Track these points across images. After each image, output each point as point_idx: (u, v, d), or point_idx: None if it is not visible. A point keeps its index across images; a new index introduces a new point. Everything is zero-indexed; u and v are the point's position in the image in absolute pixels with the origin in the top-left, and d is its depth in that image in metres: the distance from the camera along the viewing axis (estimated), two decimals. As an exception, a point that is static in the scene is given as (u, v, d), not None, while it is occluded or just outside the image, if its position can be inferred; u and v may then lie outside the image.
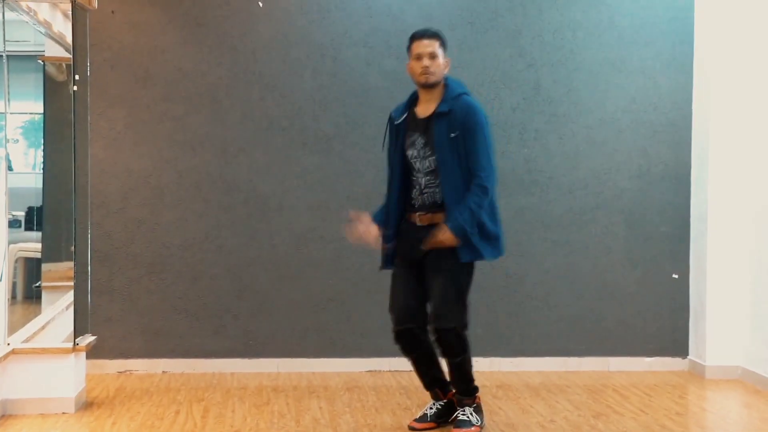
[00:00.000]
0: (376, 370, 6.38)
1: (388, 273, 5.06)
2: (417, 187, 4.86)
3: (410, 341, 4.93)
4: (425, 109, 4.86)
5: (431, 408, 5.03)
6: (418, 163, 4.85)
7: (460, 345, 4.86)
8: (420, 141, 4.84)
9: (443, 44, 4.85)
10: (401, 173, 4.91)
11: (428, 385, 5.07)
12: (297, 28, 6.38)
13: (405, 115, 4.91)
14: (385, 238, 4.94)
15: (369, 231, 4.92)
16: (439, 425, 4.98)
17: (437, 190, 4.81)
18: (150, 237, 6.29)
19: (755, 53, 6.18)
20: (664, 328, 6.58)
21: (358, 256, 6.35)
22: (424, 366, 5.02)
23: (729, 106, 6.30)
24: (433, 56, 4.77)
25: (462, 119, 4.76)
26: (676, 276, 6.57)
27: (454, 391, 5.01)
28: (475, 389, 5.00)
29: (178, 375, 6.24)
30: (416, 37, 4.85)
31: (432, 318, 4.85)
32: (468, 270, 4.90)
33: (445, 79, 4.86)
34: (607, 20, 6.53)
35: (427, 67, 4.76)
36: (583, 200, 6.55)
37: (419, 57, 4.79)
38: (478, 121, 4.79)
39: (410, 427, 4.98)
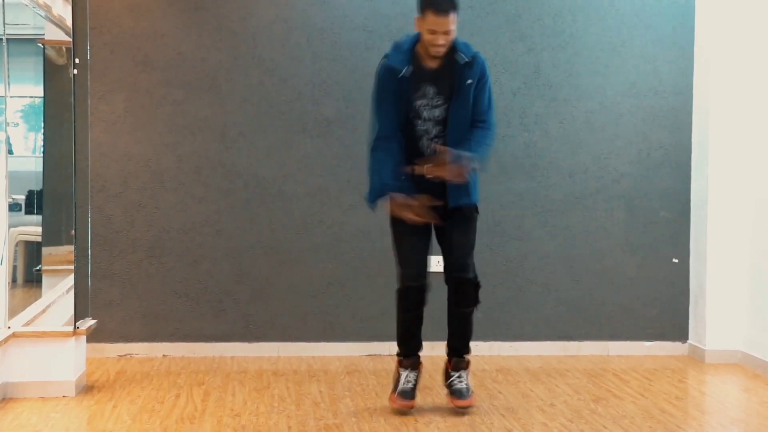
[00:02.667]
0: (376, 354, 6.39)
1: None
2: (425, 136, 4.89)
3: (418, 298, 5.02)
4: (432, 61, 4.83)
5: (410, 381, 5.04)
6: (426, 112, 4.85)
7: (477, 294, 5.04)
8: (431, 90, 4.83)
9: (457, 12, 4.77)
10: (402, 123, 4.89)
11: (414, 348, 5.11)
12: (297, 12, 6.37)
13: (408, 67, 4.84)
14: (396, 190, 4.85)
15: (416, 208, 4.83)
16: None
17: (444, 139, 4.84)
18: (150, 221, 6.29)
19: (756, 38, 6.17)
20: (663, 312, 6.59)
21: (357, 240, 6.36)
22: (417, 327, 5.10)
23: (729, 91, 6.29)
24: (448, 33, 4.73)
25: (479, 71, 4.85)
26: (676, 260, 6.57)
27: (450, 353, 5.13)
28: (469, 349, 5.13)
29: (178, 359, 6.25)
30: (432, 8, 4.69)
31: (456, 268, 4.99)
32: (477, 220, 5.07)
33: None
34: (608, 4, 6.52)
35: (442, 45, 4.74)
36: (583, 185, 6.55)
37: (434, 32, 4.71)
38: (489, 77, 4.95)
39: (399, 410, 4.97)
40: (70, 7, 5.34)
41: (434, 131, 4.88)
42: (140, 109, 6.28)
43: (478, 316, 6.38)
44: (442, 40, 4.71)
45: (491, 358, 6.37)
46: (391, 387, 5.15)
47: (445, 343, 5.22)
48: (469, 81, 4.82)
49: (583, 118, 6.55)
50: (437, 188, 4.86)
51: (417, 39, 4.86)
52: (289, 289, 6.38)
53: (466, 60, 4.82)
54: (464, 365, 5.11)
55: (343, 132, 6.38)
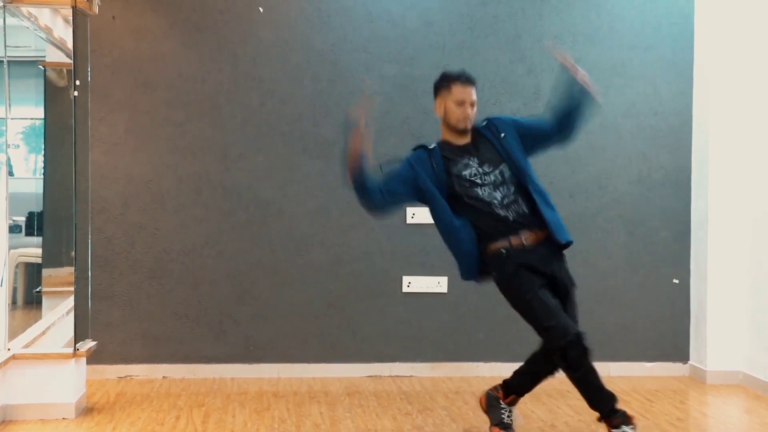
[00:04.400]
0: (376, 376, 6.38)
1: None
2: (494, 202, 4.63)
3: (582, 351, 4.65)
4: (459, 138, 4.73)
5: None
6: (479, 179, 4.64)
7: (587, 356, 4.69)
8: (473, 161, 4.67)
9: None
10: (446, 200, 4.68)
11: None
12: (297, 34, 6.39)
13: (437, 148, 4.73)
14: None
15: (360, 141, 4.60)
16: None
17: (519, 198, 4.64)
18: (150, 242, 6.29)
19: (755, 59, 6.19)
20: (664, 333, 6.58)
21: (358, 261, 6.36)
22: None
23: (729, 111, 6.30)
24: (473, 104, 4.72)
25: (502, 121, 4.81)
26: (677, 281, 6.57)
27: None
28: (613, 411, 4.65)
29: (178, 380, 6.23)
30: (459, 81, 4.71)
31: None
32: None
33: None
34: (608, 25, 6.54)
35: (469, 115, 4.69)
36: (584, 205, 6.55)
37: (462, 103, 4.68)
38: (511, 116, 4.97)
39: None
40: (71, 30, 5.35)
41: (499, 195, 4.63)
42: (141, 130, 6.29)
43: (479, 336, 6.39)
44: (469, 111, 4.68)
45: (492, 378, 6.33)
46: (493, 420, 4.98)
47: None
48: (503, 134, 4.72)
49: (584, 138, 6.53)
50: (542, 253, 4.64)
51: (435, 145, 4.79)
52: (290, 310, 6.37)
53: (484, 123, 4.79)
54: (616, 422, 4.66)
55: (344, 153, 6.37)
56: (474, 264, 4.69)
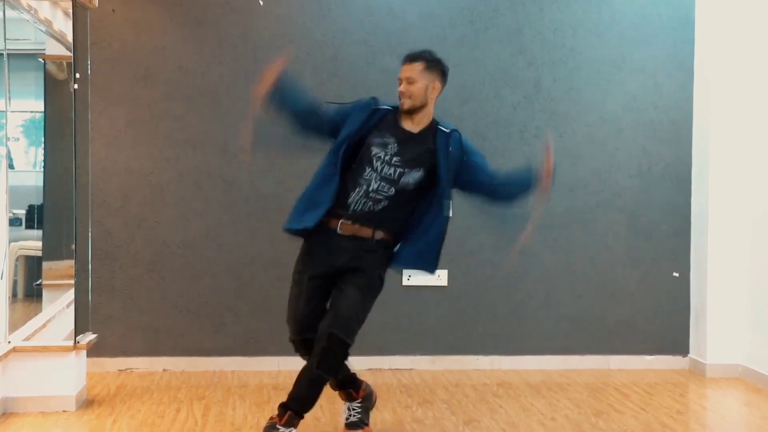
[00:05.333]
0: (376, 368, 6.38)
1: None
2: (362, 186, 4.52)
3: (309, 348, 4.59)
4: (406, 121, 4.60)
5: (354, 413, 4.85)
6: (378, 164, 4.51)
7: (339, 364, 4.61)
8: (393, 147, 4.52)
9: (430, 68, 4.57)
10: (347, 155, 4.59)
11: (339, 385, 4.85)
12: (297, 27, 6.38)
13: (388, 113, 4.63)
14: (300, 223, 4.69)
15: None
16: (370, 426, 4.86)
17: (383, 201, 4.50)
18: (150, 235, 6.29)
19: (756, 52, 6.18)
20: (664, 326, 6.58)
21: (358, 254, 6.35)
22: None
23: (729, 104, 6.30)
24: (410, 81, 4.54)
25: (461, 146, 4.60)
26: (677, 274, 6.57)
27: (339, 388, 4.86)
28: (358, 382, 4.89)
29: (178, 373, 6.24)
30: (404, 60, 4.63)
31: (333, 324, 4.48)
32: (380, 288, 4.68)
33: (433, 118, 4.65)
34: (608, 19, 6.54)
35: (403, 92, 4.55)
36: (584, 199, 6.55)
37: (399, 81, 4.58)
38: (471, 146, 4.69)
39: None
40: (70, 22, 5.35)
41: (376, 185, 4.50)
42: (141, 123, 6.29)
43: (479, 330, 6.39)
44: (404, 87, 4.54)
45: (492, 372, 6.36)
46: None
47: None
48: (451, 149, 4.55)
49: (584, 132, 6.55)
50: (344, 246, 4.55)
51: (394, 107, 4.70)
52: (290, 304, 6.36)
53: (447, 131, 4.59)
54: (354, 396, 4.85)
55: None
56: (311, 218, 4.59)
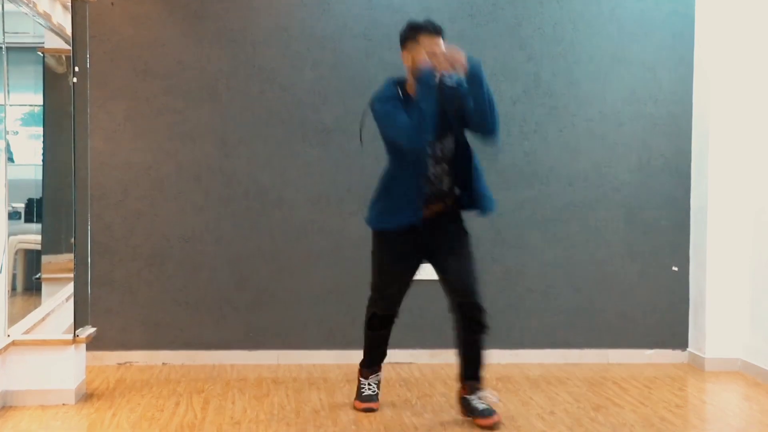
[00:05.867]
0: (375, 363, 6.37)
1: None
2: (428, 161, 4.81)
3: (384, 323, 5.20)
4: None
5: (374, 386, 5.25)
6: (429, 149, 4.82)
7: (486, 320, 4.94)
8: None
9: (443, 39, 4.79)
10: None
11: (376, 360, 5.27)
12: (297, 21, 6.38)
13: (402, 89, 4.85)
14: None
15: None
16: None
17: (446, 175, 4.85)
18: (150, 229, 6.30)
19: (756, 46, 6.18)
20: (663, 320, 6.58)
21: (357, 248, 6.35)
22: (383, 343, 5.27)
23: (729, 98, 6.29)
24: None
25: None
26: (676, 268, 6.57)
27: (463, 378, 5.01)
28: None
29: (178, 367, 6.24)
30: (426, 31, 4.72)
31: (465, 294, 4.90)
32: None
33: None
34: (608, 12, 6.53)
35: (439, 63, 4.66)
36: (583, 193, 6.55)
37: (433, 54, 4.67)
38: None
39: (365, 410, 5.13)
40: (69, 16, 5.35)
41: (433, 170, 4.84)
42: (140, 117, 6.29)
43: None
44: (436, 61, 4.66)
45: (491, 366, 6.33)
46: (355, 394, 5.32)
47: (457, 365, 5.09)
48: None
49: (583, 126, 6.55)
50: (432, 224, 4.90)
51: (401, 79, 4.88)
52: (289, 297, 6.38)
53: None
54: (479, 386, 4.99)
55: (343, 140, 6.38)
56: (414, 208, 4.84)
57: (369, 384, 5.23)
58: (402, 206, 4.85)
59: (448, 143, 4.85)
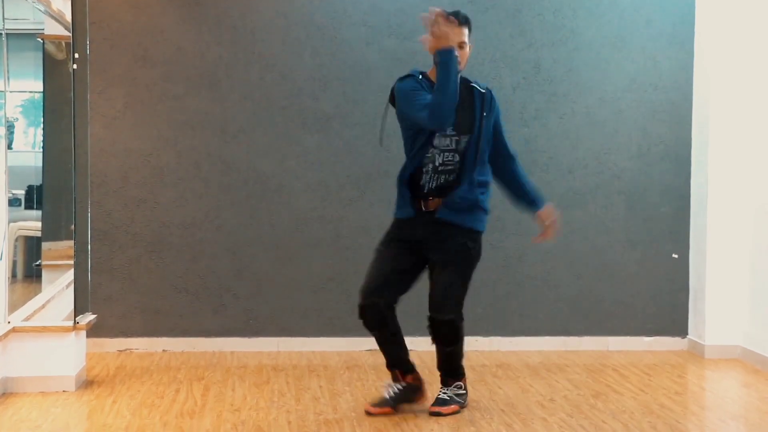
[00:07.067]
0: (375, 350, 6.31)
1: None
2: (430, 165, 4.73)
3: (374, 317, 4.89)
4: None
5: (389, 391, 4.92)
6: (436, 140, 4.71)
7: (455, 335, 4.87)
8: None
9: (470, 30, 4.71)
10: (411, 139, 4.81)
11: (390, 364, 4.99)
12: (297, 8, 6.36)
13: (422, 79, 4.76)
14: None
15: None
16: (396, 410, 4.86)
17: (453, 169, 4.73)
18: (150, 216, 6.29)
19: (756, 33, 6.17)
20: (663, 307, 6.59)
21: (357, 235, 6.36)
22: (388, 344, 4.97)
23: (729, 85, 6.29)
24: (462, 46, 4.65)
25: (492, 103, 4.81)
26: (676, 256, 6.57)
27: (440, 373, 5.00)
28: (462, 373, 5.00)
29: (178, 354, 6.25)
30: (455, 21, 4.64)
31: (436, 309, 4.84)
32: (476, 260, 4.91)
33: None
34: (608, 0, 6.52)
35: (459, 56, 4.60)
36: (583, 180, 6.54)
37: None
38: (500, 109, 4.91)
39: (367, 412, 4.87)
40: (69, 2, 5.33)
41: (440, 159, 4.73)
42: (140, 104, 6.28)
43: (478, 311, 6.39)
44: (457, 53, 4.58)
45: (491, 353, 6.37)
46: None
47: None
48: (485, 114, 4.75)
49: (583, 113, 6.54)
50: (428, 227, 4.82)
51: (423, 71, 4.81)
52: (289, 285, 6.38)
53: (483, 90, 4.79)
54: (451, 381, 4.96)
55: (343, 127, 6.38)
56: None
57: (390, 386, 4.96)
58: (407, 197, 4.80)
59: (463, 137, 4.74)
